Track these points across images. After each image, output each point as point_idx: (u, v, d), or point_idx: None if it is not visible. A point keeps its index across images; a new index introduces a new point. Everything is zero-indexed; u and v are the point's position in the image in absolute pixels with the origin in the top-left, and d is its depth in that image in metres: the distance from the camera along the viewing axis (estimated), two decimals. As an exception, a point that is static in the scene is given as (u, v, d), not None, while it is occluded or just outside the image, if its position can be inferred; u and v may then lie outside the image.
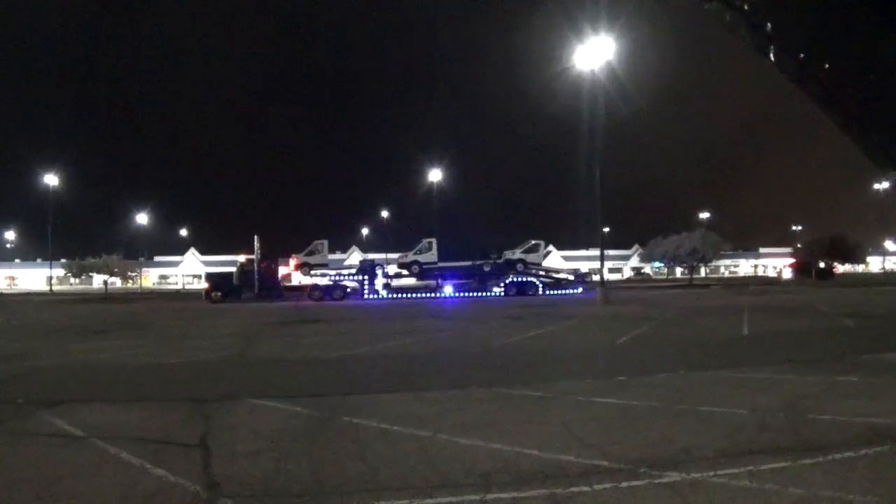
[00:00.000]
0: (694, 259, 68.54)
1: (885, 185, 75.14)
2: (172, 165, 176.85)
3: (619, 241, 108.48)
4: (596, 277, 48.21)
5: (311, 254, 42.82)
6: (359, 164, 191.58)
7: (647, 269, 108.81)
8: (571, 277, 45.41)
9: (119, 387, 10.02)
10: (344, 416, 7.63)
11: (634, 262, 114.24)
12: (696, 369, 10.61)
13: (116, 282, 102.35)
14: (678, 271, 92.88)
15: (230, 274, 42.65)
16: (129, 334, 18.72)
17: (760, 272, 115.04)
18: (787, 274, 78.78)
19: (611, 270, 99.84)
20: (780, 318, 20.58)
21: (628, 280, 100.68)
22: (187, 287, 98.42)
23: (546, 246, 51.34)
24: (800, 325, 18.09)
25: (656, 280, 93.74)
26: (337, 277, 42.63)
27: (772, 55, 8.10)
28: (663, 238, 71.03)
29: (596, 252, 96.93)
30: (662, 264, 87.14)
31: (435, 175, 72.50)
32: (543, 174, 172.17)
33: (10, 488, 5.41)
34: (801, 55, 8.02)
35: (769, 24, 7.72)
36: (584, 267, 60.89)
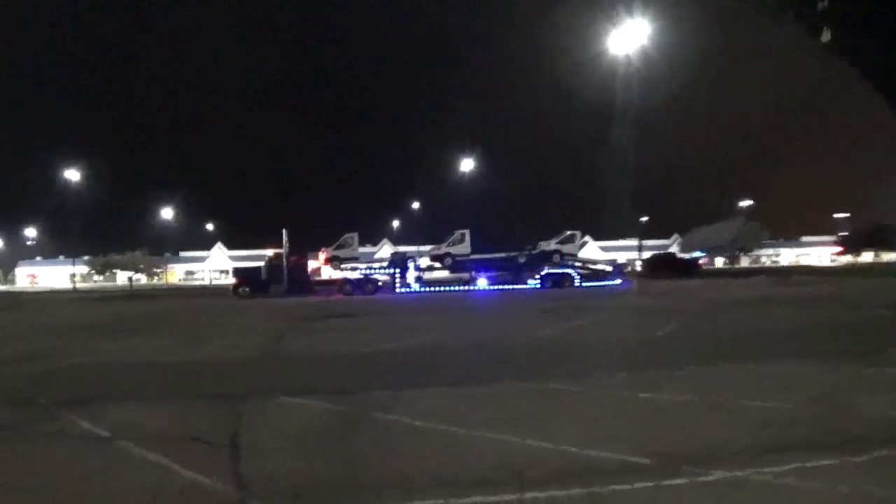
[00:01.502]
0: (735, 248, 67.74)
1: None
2: (198, 159, 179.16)
3: (658, 230, 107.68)
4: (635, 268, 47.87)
5: (340, 247, 43.10)
6: (389, 155, 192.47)
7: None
8: (609, 268, 45.21)
9: (148, 385, 10.16)
10: (376, 413, 7.69)
11: (673, 251, 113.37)
12: (736, 362, 10.50)
13: (142, 278, 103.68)
14: (718, 261, 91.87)
15: (258, 269, 42.88)
16: (156, 332, 18.94)
17: (805, 261, 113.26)
18: (832, 261, 77.51)
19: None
20: (823, 309, 20.26)
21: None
22: (214, 283, 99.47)
23: (582, 236, 51.19)
24: (847, 316, 17.78)
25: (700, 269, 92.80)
26: (368, 271, 42.84)
27: (825, 35, 7.94)
28: (703, 227, 70.31)
29: (634, 242, 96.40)
30: (703, 254, 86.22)
31: (466, 164, 72.45)
32: (578, 163, 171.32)
33: (35, 492, 5.54)
34: (857, 35, 7.86)
35: (825, 2, 7.57)
36: (621, 257, 60.51)
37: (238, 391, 9.24)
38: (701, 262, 67.47)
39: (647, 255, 72.30)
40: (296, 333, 17.51)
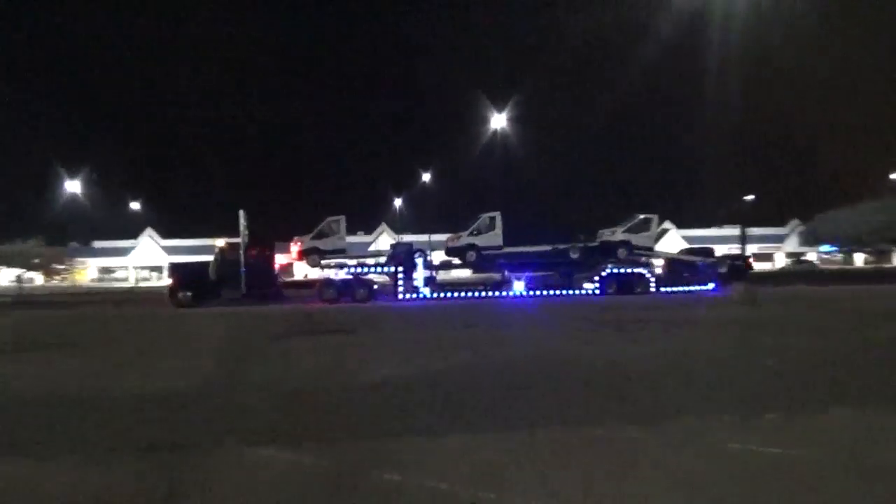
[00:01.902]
0: (883, 241, 66.72)
1: None
2: (120, 114, 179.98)
3: (767, 215, 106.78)
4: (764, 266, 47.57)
5: (321, 236, 43.24)
6: (389, 108, 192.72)
7: (812, 255, 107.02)
8: (699, 265, 45.05)
9: (51, 431, 10.05)
10: (371, 470, 7.68)
11: (792, 244, 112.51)
12: (880, 403, 10.44)
13: (35, 278, 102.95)
14: (858, 258, 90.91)
15: (205, 265, 42.82)
16: (61, 353, 18.90)
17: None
18: None
19: (756, 257, 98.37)
20: None
21: (783, 270, 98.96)
22: (143, 284, 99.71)
23: (661, 222, 50.95)
24: None
25: (829, 269, 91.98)
26: (359, 269, 43.01)
27: None
28: (836, 210, 69.35)
29: (732, 231, 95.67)
30: (835, 249, 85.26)
31: (498, 121, 70.44)
32: (648, 131, 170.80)
33: None
34: None
35: None
36: (716, 252, 60.18)
37: (177, 439, 9.22)
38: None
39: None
40: (259, 356, 17.52)
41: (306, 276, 46.85)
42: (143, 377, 14.48)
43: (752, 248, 71.06)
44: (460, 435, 9.04)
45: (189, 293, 41.52)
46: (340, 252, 43.67)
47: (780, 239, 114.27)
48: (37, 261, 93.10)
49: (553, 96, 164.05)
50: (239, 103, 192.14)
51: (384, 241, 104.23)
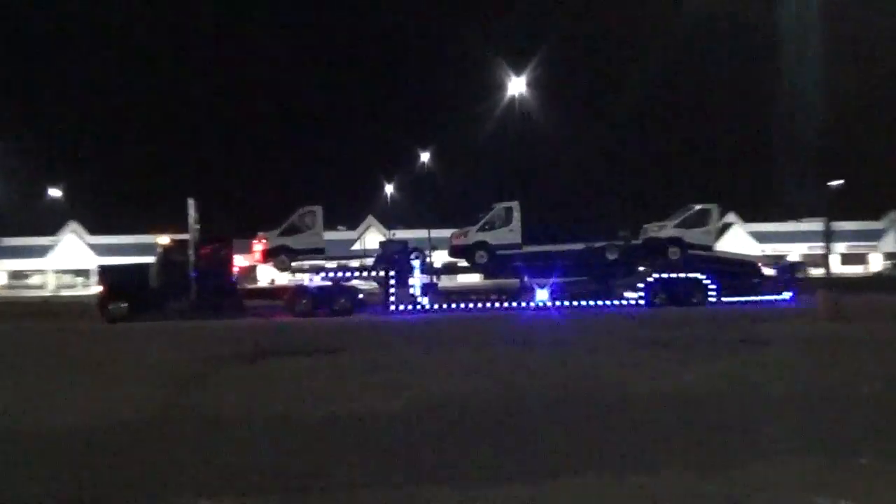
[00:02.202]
0: None
1: None
2: (35, 84, 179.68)
3: (859, 206, 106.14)
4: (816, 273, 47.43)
5: (292, 231, 43.10)
6: (376, 76, 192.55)
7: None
8: (772, 272, 44.98)
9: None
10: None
11: (891, 243, 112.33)
12: None
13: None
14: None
15: (144, 269, 42.45)
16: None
17: None
18: None
19: (844, 260, 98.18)
20: None
21: (880, 275, 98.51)
22: (65, 292, 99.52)
23: (722, 216, 50.92)
24: None
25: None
26: (340, 274, 43.13)
27: None
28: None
29: (813, 226, 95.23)
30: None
31: (516, 87, 69.24)
32: (705, 100, 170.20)
33: None
34: None
35: None
36: (793, 253, 60.19)
37: (111, 487, 9.21)
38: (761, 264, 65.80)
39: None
40: (215, 382, 17.58)
41: (273, 281, 46.70)
42: (60, 411, 14.39)
43: (840, 248, 70.81)
44: (464, 487, 8.93)
45: (124, 304, 41.05)
46: (316, 252, 43.52)
47: (875, 236, 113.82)
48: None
49: (587, 56, 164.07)
50: (186, 64, 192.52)
51: (372, 238, 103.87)
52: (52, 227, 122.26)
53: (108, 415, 13.75)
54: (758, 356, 19.83)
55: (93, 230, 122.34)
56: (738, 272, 44.69)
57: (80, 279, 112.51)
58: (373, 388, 15.96)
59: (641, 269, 43.16)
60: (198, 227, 41.98)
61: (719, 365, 18.28)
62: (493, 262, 42.89)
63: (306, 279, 42.28)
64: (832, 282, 34.92)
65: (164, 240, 42.90)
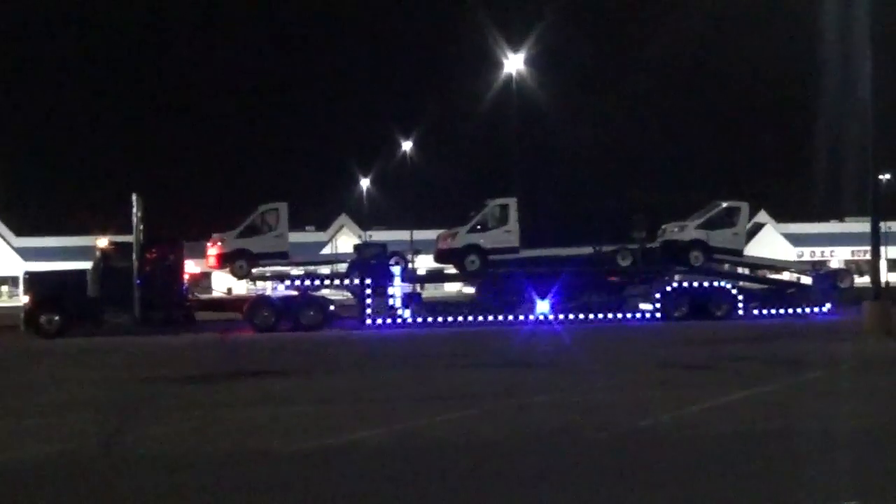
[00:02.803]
0: None
1: None
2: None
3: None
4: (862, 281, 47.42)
5: (251, 232, 42.86)
6: (351, 51, 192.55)
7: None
8: (810, 280, 44.93)
9: None
10: None
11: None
12: None
13: None
14: None
15: (80, 276, 42.35)
16: None
17: None
18: None
19: (892, 265, 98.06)
20: None
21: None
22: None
23: (753, 215, 50.76)
24: None
25: None
26: (307, 282, 42.88)
27: None
28: None
29: (858, 227, 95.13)
30: None
31: (513, 64, 68.66)
32: (733, 82, 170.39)
33: None
34: None
35: None
36: (834, 258, 60.20)
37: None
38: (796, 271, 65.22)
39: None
40: (160, 409, 17.45)
41: (230, 290, 46.65)
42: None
43: (890, 252, 70.57)
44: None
45: (56, 317, 40.64)
46: (280, 256, 43.31)
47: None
48: None
49: (596, 28, 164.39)
50: (127, 40, 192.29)
51: (345, 241, 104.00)
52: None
53: (29, 450, 13.64)
54: (794, 378, 19.77)
55: (19, 231, 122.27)
56: (771, 281, 44.71)
57: (3, 288, 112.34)
58: (342, 416, 15.96)
59: (659, 276, 43.03)
60: (142, 227, 41.64)
61: (750, 390, 18.19)
62: (486, 268, 42.66)
63: (268, 288, 42.19)
64: (881, 292, 34.66)
65: (103, 242, 42.70)
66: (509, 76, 63.86)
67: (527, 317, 41.23)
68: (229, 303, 44.40)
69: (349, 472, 11.75)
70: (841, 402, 16.80)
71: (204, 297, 45.73)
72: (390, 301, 41.65)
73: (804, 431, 13.88)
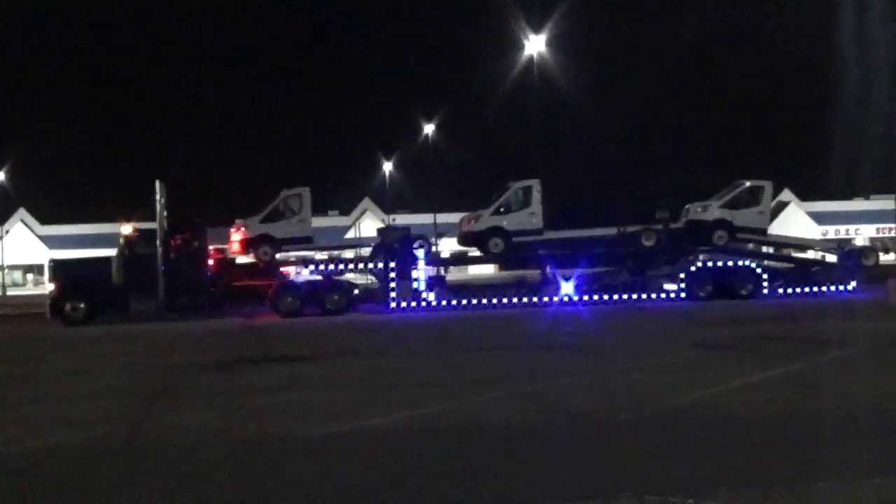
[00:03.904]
0: None
1: None
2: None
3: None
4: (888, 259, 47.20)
5: (275, 218, 42.97)
6: (373, 35, 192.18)
7: None
8: (835, 259, 44.72)
9: None
10: None
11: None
12: None
13: None
14: None
15: (104, 264, 42.41)
16: None
17: None
18: None
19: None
20: None
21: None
22: (13, 291, 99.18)
23: (777, 193, 50.49)
24: None
25: None
26: (332, 267, 43.01)
27: None
28: None
29: (883, 205, 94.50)
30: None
31: (535, 46, 68.03)
32: (756, 58, 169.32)
33: None
34: None
35: None
36: (860, 236, 59.82)
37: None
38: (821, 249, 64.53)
39: None
40: (188, 395, 17.51)
41: (254, 277, 46.46)
42: (14, 426, 14.40)
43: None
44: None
45: (81, 304, 40.76)
46: (304, 241, 43.54)
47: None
48: None
49: (618, 8, 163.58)
50: (148, 31, 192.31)
51: (368, 225, 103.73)
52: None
53: (56, 436, 13.69)
54: (822, 357, 19.71)
55: (44, 219, 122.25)
56: (796, 259, 44.50)
57: (29, 276, 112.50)
58: (369, 399, 15.96)
59: (683, 256, 42.87)
60: (166, 214, 41.76)
61: (777, 368, 18.14)
62: (510, 250, 42.66)
63: (292, 273, 42.09)
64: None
65: (127, 229, 42.48)
66: (531, 58, 63.63)
67: (551, 298, 41.21)
68: (255, 289, 44.19)
69: (375, 457, 11.72)
70: (868, 381, 16.75)
71: (230, 283, 45.27)
72: (414, 284, 41.65)
73: (834, 411, 13.84)
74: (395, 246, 42.73)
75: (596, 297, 41.13)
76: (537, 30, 62.16)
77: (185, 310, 40.50)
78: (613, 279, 42.20)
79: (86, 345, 29.72)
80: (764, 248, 44.62)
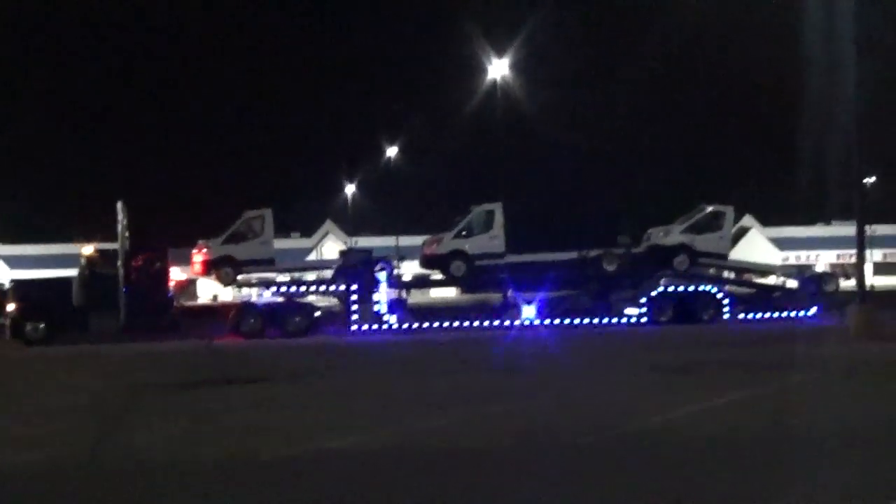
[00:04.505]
0: None
1: None
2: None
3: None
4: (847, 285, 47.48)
5: (237, 239, 42.71)
6: (336, 54, 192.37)
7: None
8: (795, 284, 44.96)
9: None
10: None
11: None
12: None
13: None
14: None
15: (65, 284, 42.21)
16: None
17: None
18: None
19: (880, 269, 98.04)
20: None
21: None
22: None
23: (738, 218, 50.73)
24: None
25: None
26: (293, 289, 42.96)
27: None
28: None
29: (843, 231, 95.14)
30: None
31: (498, 69, 68.30)
32: (718, 83, 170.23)
33: None
34: None
35: None
36: (819, 262, 60.16)
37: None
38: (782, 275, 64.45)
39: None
40: (147, 415, 17.49)
41: (216, 297, 46.55)
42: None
43: (875, 255, 70.85)
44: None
45: (41, 325, 40.37)
46: (266, 263, 43.16)
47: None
48: None
49: (581, 33, 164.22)
50: (109, 45, 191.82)
51: (330, 247, 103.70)
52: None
53: (14, 456, 13.61)
54: (780, 382, 19.81)
55: (5, 239, 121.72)
56: (757, 285, 44.73)
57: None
58: (330, 421, 15.97)
59: (645, 280, 43.00)
60: (128, 234, 41.54)
61: (736, 393, 18.26)
62: (472, 273, 42.52)
63: (254, 294, 42.05)
64: (867, 295, 34.72)
65: (88, 250, 42.38)
66: (494, 81, 63.80)
67: (513, 322, 41.21)
68: (216, 310, 44.24)
69: (336, 478, 11.76)
70: (827, 406, 16.86)
71: (189, 304, 45.47)
72: (376, 307, 41.51)
73: (791, 434, 13.96)
74: (356, 268, 42.63)
75: (557, 321, 41.08)
76: (501, 53, 62.45)
77: (147, 330, 40.19)
78: (575, 303, 42.26)
79: (46, 365, 29.61)
80: (725, 274, 44.73)
